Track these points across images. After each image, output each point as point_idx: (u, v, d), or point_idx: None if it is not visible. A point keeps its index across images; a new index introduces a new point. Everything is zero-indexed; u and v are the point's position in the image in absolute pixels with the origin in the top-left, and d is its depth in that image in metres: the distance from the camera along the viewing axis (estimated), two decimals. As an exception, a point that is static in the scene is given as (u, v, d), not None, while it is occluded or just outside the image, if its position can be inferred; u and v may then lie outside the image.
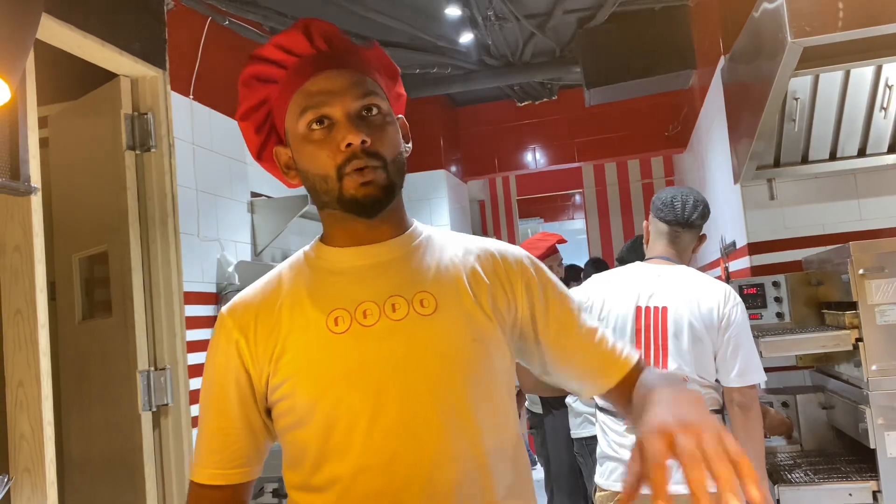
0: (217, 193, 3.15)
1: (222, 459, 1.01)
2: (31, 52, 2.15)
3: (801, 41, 1.95)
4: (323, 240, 1.07)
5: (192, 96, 3.00)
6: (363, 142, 0.95)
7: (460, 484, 0.95)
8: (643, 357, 1.11)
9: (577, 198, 8.19)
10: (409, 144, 1.07)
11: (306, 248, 1.09)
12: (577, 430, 3.05)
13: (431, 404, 0.95)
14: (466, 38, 3.95)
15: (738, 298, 2.07)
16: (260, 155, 1.09)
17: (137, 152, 2.76)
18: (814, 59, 2.30)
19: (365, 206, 0.97)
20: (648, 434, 0.77)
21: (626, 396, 1.05)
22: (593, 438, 2.43)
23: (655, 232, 2.20)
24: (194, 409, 2.80)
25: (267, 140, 1.07)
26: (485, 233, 6.47)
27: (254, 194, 3.47)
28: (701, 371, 2.02)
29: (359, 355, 0.96)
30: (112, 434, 2.73)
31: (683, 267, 2.16)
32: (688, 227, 2.15)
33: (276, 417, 1.01)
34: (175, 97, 2.87)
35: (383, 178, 0.97)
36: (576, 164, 5.73)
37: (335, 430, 0.96)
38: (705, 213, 2.18)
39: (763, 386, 2.92)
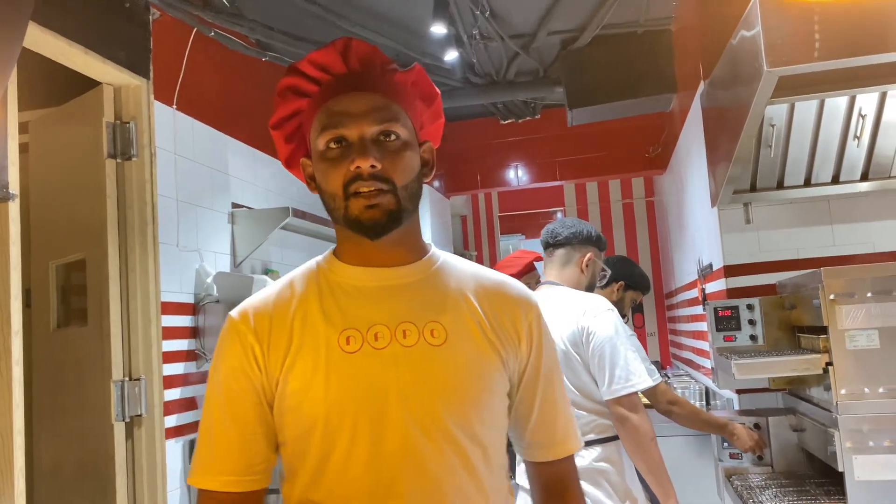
0: (198, 203, 3.14)
1: (239, 466, 1.01)
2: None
3: (776, 70, 1.99)
4: (336, 254, 1.09)
5: (175, 106, 3.00)
6: (372, 166, 0.97)
7: None
8: (571, 463, 1.14)
9: (559, 215, 8.25)
10: (433, 170, 1.09)
11: (319, 258, 1.10)
12: None
13: (433, 434, 0.98)
14: (451, 55, 3.98)
15: (604, 307, 2.17)
16: (289, 163, 1.12)
17: (118, 161, 2.75)
18: (790, 87, 2.35)
19: (367, 228, 0.99)
20: None
21: (540, 478, 1.13)
22: None
23: (544, 261, 2.41)
24: (168, 420, 2.78)
25: (297, 149, 1.10)
26: (466, 248, 6.49)
27: (234, 205, 3.46)
28: (583, 391, 2.09)
29: (368, 377, 0.98)
30: (84, 443, 2.70)
31: (559, 288, 2.31)
32: (556, 245, 2.33)
33: (280, 426, 1.02)
34: (158, 106, 2.87)
35: (391, 203, 0.99)
36: (557, 183, 5.78)
37: (337, 447, 0.97)
38: (570, 228, 2.37)
39: (736, 407, 2.96)
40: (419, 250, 1.08)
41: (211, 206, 3.25)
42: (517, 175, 5.54)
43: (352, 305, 1.02)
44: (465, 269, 1.11)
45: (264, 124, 4.11)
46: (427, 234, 4.97)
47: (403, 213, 1.01)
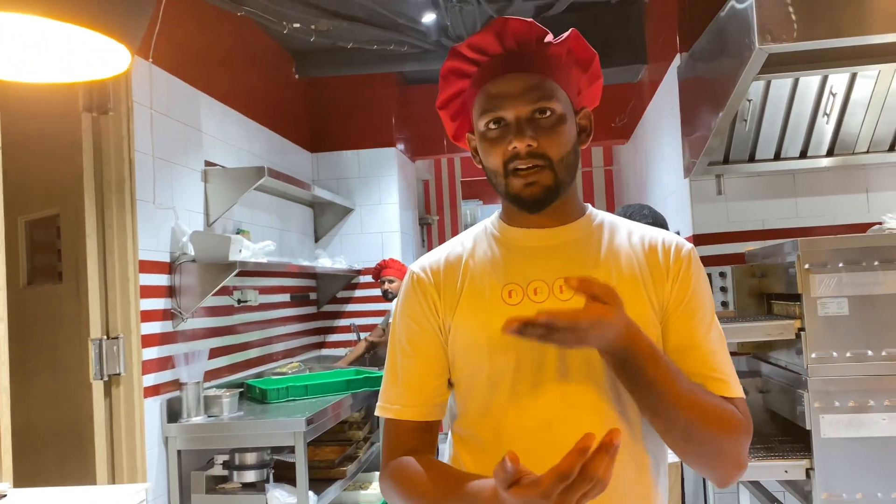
0: (173, 160, 3.08)
1: (420, 398, 1.12)
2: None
3: (767, 47, 2.07)
4: (502, 217, 1.17)
5: (151, 59, 2.91)
6: (528, 145, 1.04)
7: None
8: (739, 402, 1.07)
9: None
10: (590, 135, 1.13)
11: (487, 221, 1.20)
12: None
13: (587, 381, 1.05)
14: (428, 17, 3.95)
15: None
16: (456, 137, 1.21)
17: (94, 115, 2.67)
18: (769, 64, 2.43)
19: (528, 204, 1.07)
20: None
21: None
22: None
23: None
24: (147, 379, 2.76)
25: (462, 126, 1.19)
26: (428, 212, 6.51)
27: (207, 163, 3.40)
28: None
29: None
30: (60, 403, 2.66)
31: None
32: None
33: (453, 368, 1.13)
34: (135, 60, 2.78)
35: (548, 179, 1.05)
36: (520, 149, 5.82)
37: (501, 390, 1.06)
38: (647, 217, 2.49)
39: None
40: (577, 211, 1.14)
41: (185, 163, 3.19)
42: (482, 140, 5.55)
43: (514, 263, 1.11)
44: (622, 225, 1.16)
45: (237, 81, 4.03)
46: (394, 198, 4.97)
47: (561, 186, 1.07)
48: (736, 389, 1.07)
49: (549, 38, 1.10)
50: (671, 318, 1.08)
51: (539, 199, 1.06)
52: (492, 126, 1.07)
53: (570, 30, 1.12)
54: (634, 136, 4.95)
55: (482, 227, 1.19)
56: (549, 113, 1.05)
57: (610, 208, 6.33)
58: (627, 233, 1.14)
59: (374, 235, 4.98)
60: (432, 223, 6.39)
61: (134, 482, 2.65)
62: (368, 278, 4.84)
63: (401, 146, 5.20)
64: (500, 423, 1.07)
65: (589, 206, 1.18)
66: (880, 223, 2.71)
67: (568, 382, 1.05)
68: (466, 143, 1.19)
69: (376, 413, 1.16)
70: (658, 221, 2.55)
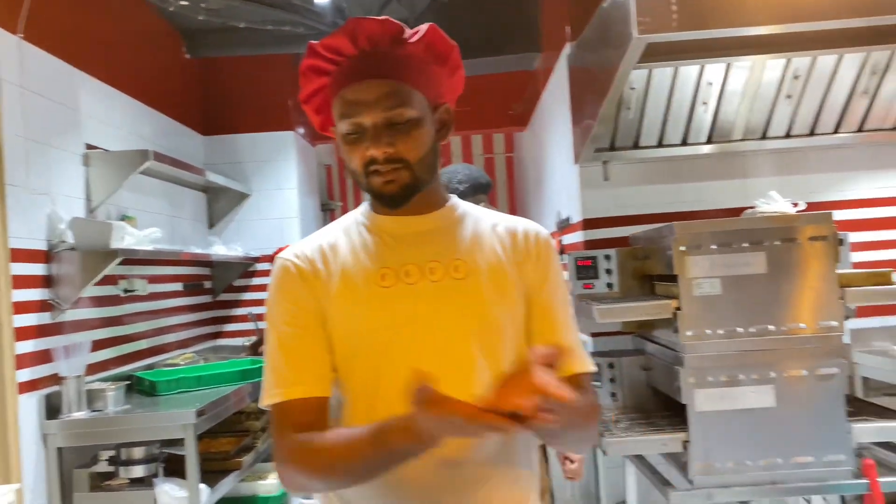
0: (48, 143, 2.91)
1: (310, 375, 1.11)
2: None
3: (645, 37, 2.14)
4: (371, 206, 1.22)
5: (21, 35, 2.74)
6: (385, 152, 1.09)
7: None
8: (588, 377, 1.20)
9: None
10: (450, 129, 1.18)
11: (356, 212, 1.24)
12: None
13: (464, 355, 1.11)
14: (322, -1, 3.89)
15: None
16: (323, 127, 1.24)
17: (-44, 92, 2.49)
18: (650, 54, 2.52)
19: (386, 201, 1.13)
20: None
21: None
22: None
23: None
24: (22, 374, 2.61)
25: (328, 118, 1.21)
26: (331, 198, 6.43)
27: (89, 146, 3.23)
28: None
29: (402, 308, 1.12)
30: (-78, 402, 2.48)
31: None
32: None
33: (332, 352, 1.14)
34: (1, 34, 2.61)
35: (406, 178, 1.11)
36: (422, 135, 5.82)
37: (379, 372, 1.10)
38: (464, 182, 2.47)
39: (591, 349, 3.20)
40: (440, 201, 1.21)
41: (63, 146, 3.02)
42: (383, 126, 5.51)
43: (385, 249, 1.16)
44: (483, 214, 1.25)
45: (121, 60, 3.85)
46: (293, 184, 4.88)
47: (420, 184, 1.13)
48: (590, 364, 1.21)
49: (406, 34, 1.13)
50: (535, 297, 1.19)
51: (397, 196, 1.12)
52: (350, 131, 1.11)
53: (428, 24, 1.15)
54: (532, 123, 5.04)
55: (352, 218, 1.23)
56: (405, 118, 1.10)
57: (511, 194, 6.44)
58: (490, 222, 1.23)
59: (273, 222, 4.88)
60: (336, 209, 6.31)
61: (8, 483, 2.51)
62: (267, 265, 4.74)
63: (300, 129, 5.10)
64: (381, 405, 1.08)
65: (452, 196, 1.25)
66: (753, 207, 2.87)
67: (444, 361, 1.08)
68: (334, 134, 1.21)
69: (261, 405, 1.14)
70: (475, 182, 2.54)
